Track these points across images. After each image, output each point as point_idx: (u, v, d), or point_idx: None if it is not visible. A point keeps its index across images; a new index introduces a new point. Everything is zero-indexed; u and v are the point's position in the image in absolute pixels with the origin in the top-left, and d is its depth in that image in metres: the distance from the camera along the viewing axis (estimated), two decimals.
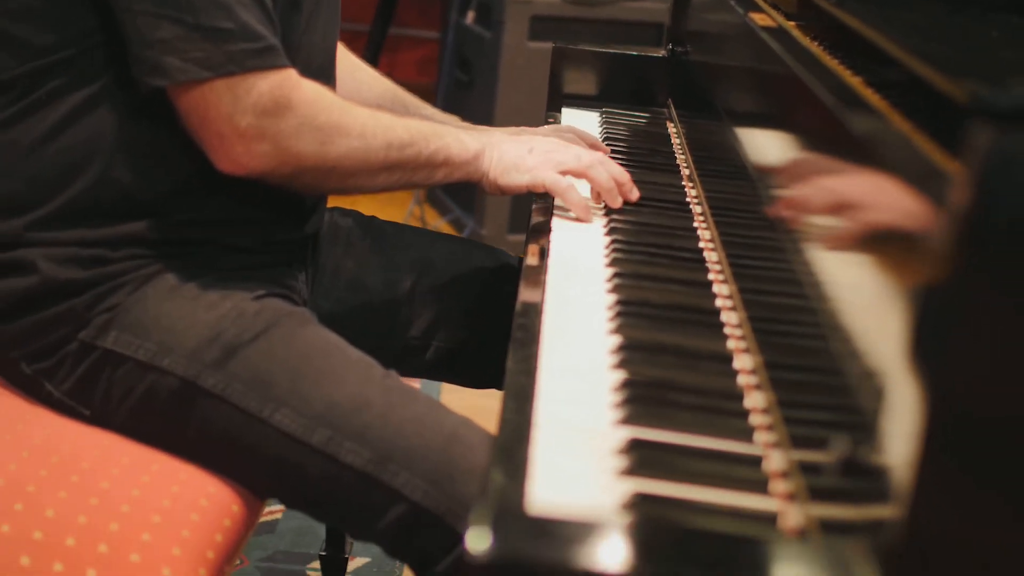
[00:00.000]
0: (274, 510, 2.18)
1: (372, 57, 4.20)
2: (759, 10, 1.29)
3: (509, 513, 0.65)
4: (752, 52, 1.25)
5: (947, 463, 0.64)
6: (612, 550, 0.62)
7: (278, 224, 1.34)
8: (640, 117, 1.89)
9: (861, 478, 0.71)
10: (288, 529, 2.13)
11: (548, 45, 3.69)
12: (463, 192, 3.78)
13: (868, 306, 0.78)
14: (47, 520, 1.06)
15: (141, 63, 1.17)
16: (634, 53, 1.98)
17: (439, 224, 3.75)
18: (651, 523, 0.71)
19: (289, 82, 1.20)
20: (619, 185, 1.38)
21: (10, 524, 1.06)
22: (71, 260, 1.23)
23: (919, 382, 0.64)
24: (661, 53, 1.98)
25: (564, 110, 1.90)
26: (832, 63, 1.05)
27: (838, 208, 0.90)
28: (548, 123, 1.78)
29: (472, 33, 3.69)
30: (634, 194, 1.39)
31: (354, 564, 2.04)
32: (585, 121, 1.85)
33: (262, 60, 1.17)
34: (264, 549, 2.06)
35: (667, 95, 1.96)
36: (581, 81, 1.99)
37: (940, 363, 0.65)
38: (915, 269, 0.69)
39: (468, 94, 3.73)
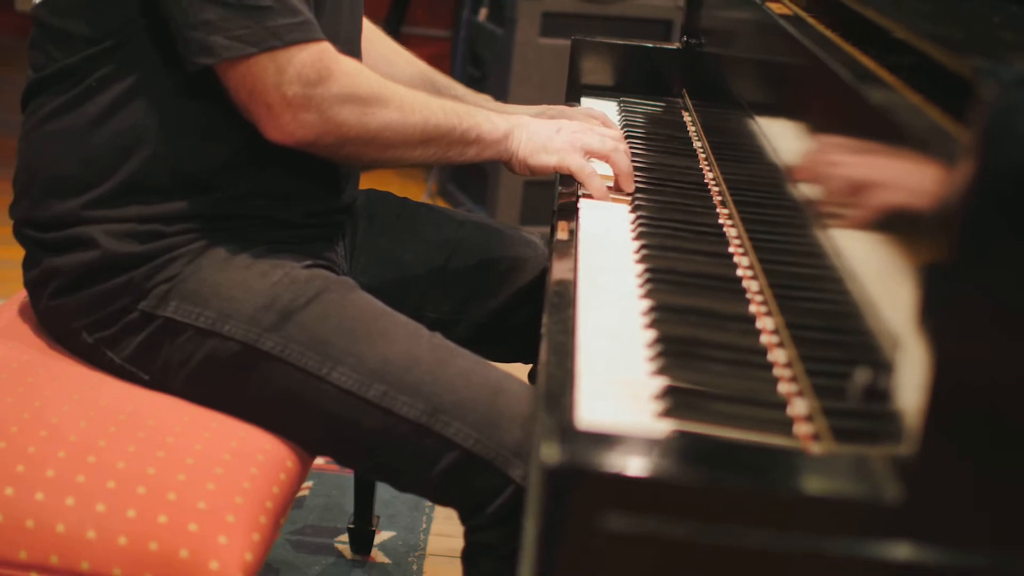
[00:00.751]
0: (302, 487, 2.26)
1: None
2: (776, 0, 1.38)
3: (571, 431, 0.74)
4: (771, 39, 1.33)
5: (953, 402, 0.72)
6: (662, 458, 0.71)
7: (316, 196, 1.42)
8: (656, 106, 1.98)
9: (877, 420, 0.80)
10: (316, 505, 2.21)
11: (559, 41, 3.79)
12: (475, 185, 3.87)
13: (878, 267, 0.86)
14: (119, 471, 1.15)
15: (188, 44, 1.25)
16: (650, 45, 2.07)
17: None
18: (695, 438, 0.80)
19: (328, 53, 1.28)
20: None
21: (85, 475, 1.14)
22: (129, 235, 1.31)
23: (928, 336, 0.72)
24: (676, 45, 2.06)
25: (583, 99, 1.98)
26: (848, 47, 1.13)
27: (855, 180, 0.98)
28: None
29: (484, 30, 3.78)
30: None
31: (380, 537, 2.13)
32: (603, 110, 1.93)
33: (302, 33, 1.25)
34: (293, 523, 2.14)
35: (682, 85, 2.05)
36: (598, 72, 2.07)
37: (948, 315, 0.73)
38: (925, 230, 0.77)
39: (480, 89, 3.81)
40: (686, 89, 2.03)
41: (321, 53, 1.26)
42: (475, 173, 3.83)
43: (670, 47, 2.06)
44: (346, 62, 1.29)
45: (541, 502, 0.71)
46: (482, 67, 3.82)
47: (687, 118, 1.92)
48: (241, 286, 1.29)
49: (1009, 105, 0.68)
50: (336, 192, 1.44)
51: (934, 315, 0.73)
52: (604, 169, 1.48)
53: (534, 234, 1.69)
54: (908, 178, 0.83)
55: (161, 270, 1.31)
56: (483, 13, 3.76)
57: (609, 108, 1.95)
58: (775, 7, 1.35)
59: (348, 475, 2.20)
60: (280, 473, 1.23)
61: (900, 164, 0.85)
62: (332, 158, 1.36)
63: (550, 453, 0.69)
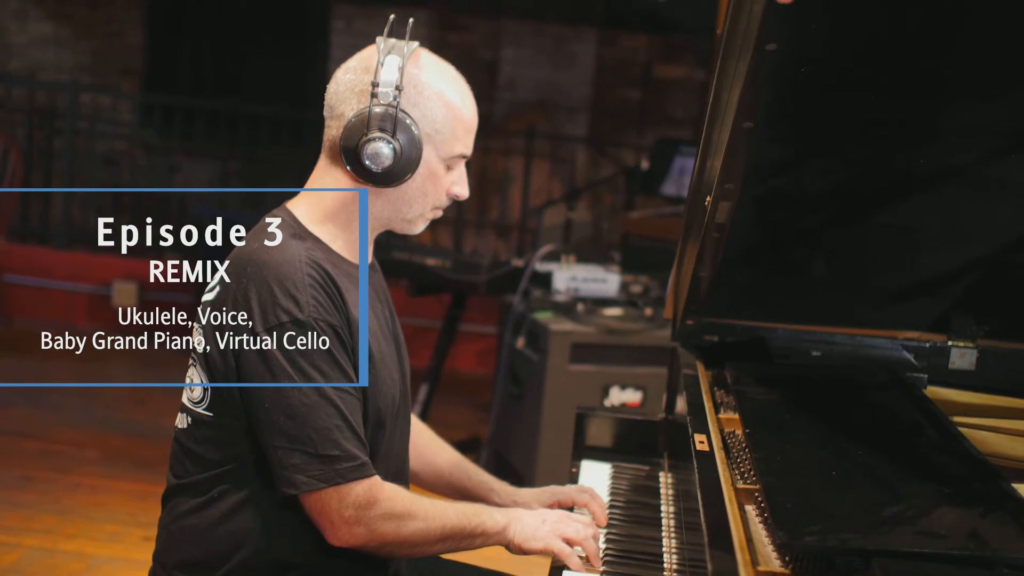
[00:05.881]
0: None
1: (442, 349, 4.95)
2: (703, 432, 1.91)
3: None
4: (687, 459, 1.85)
5: None
6: None
7: (370, 569, 1.95)
8: (640, 469, 2.50)
9: None
10: None
11: (586, 368, 4.35)
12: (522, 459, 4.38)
13: None
14: None
15: (280, 478, 1.81)
16: (639, 418, 2.61)
17: None
18: None
19: (376, 485, 1.83)
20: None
21: None
22: None
23: None
24: (659, 417, 2.60)
25: (584, 462, 2.51)
26: (732, 497, 1.65)
27: None
28: (572, 472, 2.42)
29: (522, 355, 4.38)
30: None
31: None
32: (599, 473, 2.46)
33: (358, 473, 1.81)
34: None
35: (664, 448, 2.57)
36: (599, 437, 2.61)
37: None
38: None
39: (519, 405, 4.38)
40: (666, 452, 2.56)
41: (371, 485, 1.81)
42: (521, 458, 4.35)
43: (653, 419, 2.61)
44: (387, 489, 1.83)
45: None
46: (520, 386, 4.39)
47: (663, 480, 2.43)
48: None
49: None
50: (384, 566, 1.98)
51: None
52: None
53: None
54: None
55: None
56: (521, 341, 4.37)
57: (604, 470, 2.48)
58: (699, 439, 1.88)
59: None
60: None
61: None
62: (374, 555, 1.89)
63: None
